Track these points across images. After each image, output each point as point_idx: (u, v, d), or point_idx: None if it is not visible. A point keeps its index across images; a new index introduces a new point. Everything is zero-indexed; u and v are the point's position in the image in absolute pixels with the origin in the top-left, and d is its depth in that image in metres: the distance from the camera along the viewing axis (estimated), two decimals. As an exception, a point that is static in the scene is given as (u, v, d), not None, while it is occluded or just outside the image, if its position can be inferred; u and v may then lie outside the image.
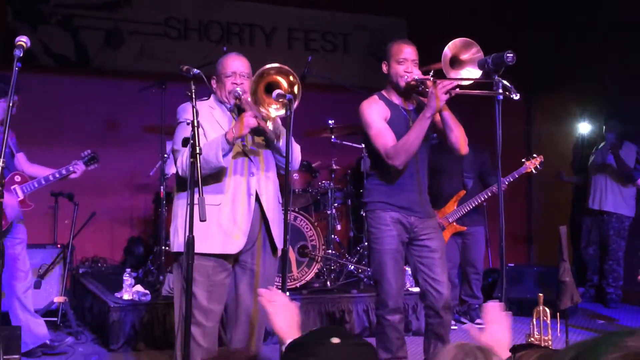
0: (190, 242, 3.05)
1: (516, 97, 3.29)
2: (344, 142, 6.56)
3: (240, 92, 3.45)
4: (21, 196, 4.68)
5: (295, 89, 3.30)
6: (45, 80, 6.98)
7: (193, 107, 3.13)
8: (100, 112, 7.20)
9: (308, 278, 5.76)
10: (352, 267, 6.28)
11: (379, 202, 3.93)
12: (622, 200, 7.00)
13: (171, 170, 5.83)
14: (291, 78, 3.33)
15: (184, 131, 3.32)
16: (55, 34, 7.08)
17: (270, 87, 3.33)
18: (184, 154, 3.32)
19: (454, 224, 5.77)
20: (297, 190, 6.19)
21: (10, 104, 2.92)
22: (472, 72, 3.62)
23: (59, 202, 6.37)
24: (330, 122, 6.39)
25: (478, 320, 6.03)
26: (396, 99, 3.95)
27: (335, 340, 1.51)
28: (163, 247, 5.75)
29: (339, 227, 6.53)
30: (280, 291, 2.36)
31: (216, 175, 3.43)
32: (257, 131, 3.49)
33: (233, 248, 3.45)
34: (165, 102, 5.83)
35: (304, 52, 7.67)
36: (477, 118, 5.69)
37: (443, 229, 5.66)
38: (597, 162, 7.18)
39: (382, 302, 3.93)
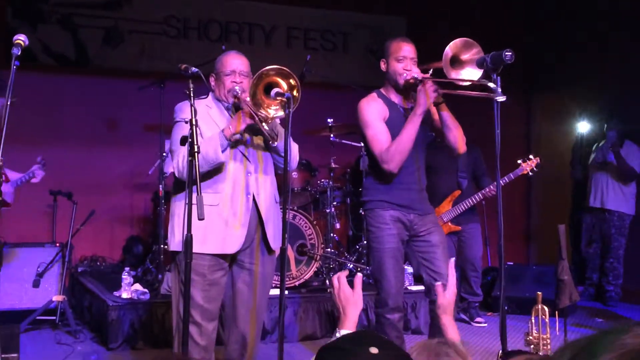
0: (188, 240, 3.05)
1: (501, 99, 3.24)
2: (343, 141, 6.56)
3: (239, 91, 3.44)
4: None
5: (295, 92, 3.29)
6: (45, 79, 6.98)
7: (191, 105, 3.13)
8: (99, 111, 7.20)
9: (307, 277, 5.76)
10: (351, 265, 6.27)
11: (378, 200, 3.93)
12: (623, 198, 7.01)
13: (170, 169, 5.82)
14: (291, 81, 3.31)
15: (181, 131, 3.32)
16: (54, 33, 7.07)
17: (270, 88, 3.32)
18: (182, 154, 3.31)
19: (449, 223, 5.77)
20: (296, 188, 6.19)
21: (8, 103, 2.91)
22: (472, 73, 3.61)
23: (57, 201, 6.37)
24: (329, 120, 6.39)
25: (478, 319, 6.03)
26: (395, 97, 3.95)
27: (374, 350, 1.45)
28: (162, 246, 5.75)
29: (338, 226, 6.53)
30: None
31: (214, 176, 3.43)
32: (255, 131, 3.49)
33: (231, 248, 3.46)
34: (165, 100, 5.83)
35: (303, 50, 7.67)
36: (476, 117, 5.69)
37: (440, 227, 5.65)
38: (597, 160, 7.19)
39: (382, 300, 3.93)
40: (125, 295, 5.29)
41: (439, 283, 2.49)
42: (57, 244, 5.86)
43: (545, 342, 4.21)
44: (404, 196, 3.90)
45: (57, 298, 5.42)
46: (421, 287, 4.70)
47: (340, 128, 6.42)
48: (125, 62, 7.30)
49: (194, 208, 2.99)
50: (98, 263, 6.89)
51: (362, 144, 5.16)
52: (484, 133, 5.85)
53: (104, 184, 7.11)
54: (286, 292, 4.06)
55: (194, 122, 3.10)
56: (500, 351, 3.34)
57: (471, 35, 3.63)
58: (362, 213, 4.23)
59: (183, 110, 3.44)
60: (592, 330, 5.90)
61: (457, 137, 3.88)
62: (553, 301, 4.93)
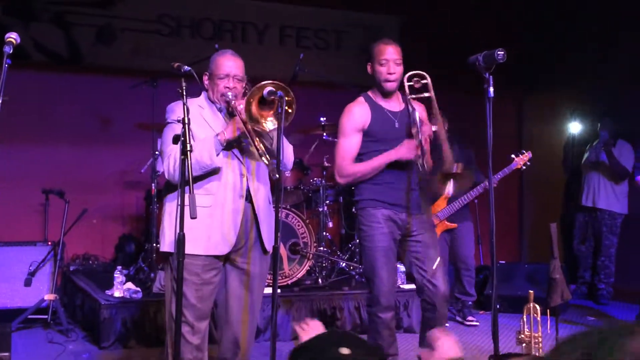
0: (180, 239, 3.04)
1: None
2: (336, 140, 6.54)
3: (232, 98, 3.41)
4: None
5: (288, 108, 3.23)
6: (37, 77, 6.94)
7: (184, 104, 3.11)
8: (92, 109, 7.17)
9: (299, 275, 5.76)
10: (344, 264, 6.28)
11: (370, 199, 3.94)
12: (614, 198, 7.03)
13: (162, 168, 5.81)
14: (287, 97, 3.23)
15: (173, 132, 3.28)
16: (47, 30, 7.04)
17: (264, 101, 3.28)
18: (173, 156, 3.29)
19: (445, 221, 5.78)
20: (288, 187, 6.19)
21: (0, 101, 2.90)
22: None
23: (49, 200, 6.36)
24: (322, 119, 6.39)
25: (470, 318, 6.04)
26: (381, 101, 3.98)
27: (345, 350, 1.43)
28: (154, 245, 5.74)
29: (330, 225, 6.53)
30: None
31: (207, 177, 3.41)
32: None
33: (223, 249, 3.45)
34: (157, 99, 5.82)
35: (296, 49, 7.65)
36: (468, 116, 5.71)
37: (434, 226, 5.66)
38: (590, 159, 7.21)
39: (374, 299, 3.94)
40: (117, 294, 5.29)
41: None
42: (49, 243, 5.85)
43: (536, 340, 4.23)
44: (396, 195, 3.92)
45: (49, 297, 5.40)
46: (413, 286, 4.71)
47: (333, 127, 6.40)
48: (118, 60, 7.27)
49: (186, 208, 2.97)
50: (90, 262, 6.86)
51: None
52: (476, 132, 5.87)
53: (97, 182, 7.09)
54: (279, 290, 4.07)
55: (186, 121, 3.08)
56: (490, 356, 3.37)
57: (463, 35, 3.64)
58: (355, 212, 4.25)
59: (175, 111, 3.41)
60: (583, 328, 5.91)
61: (446, 152, 3.93)
62: (545, 299, 4.95)
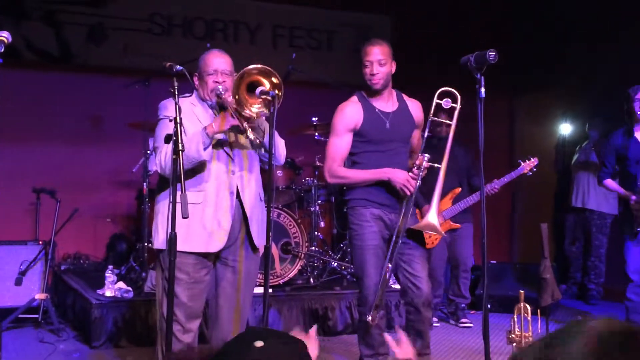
0: (172, 239, 3.05)
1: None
2: (328, 139, 6.55)
3: (222, 91, 3.44)
4: None
5: (278, 90, 3.29)
6: (28, 76, 6.92)
7: (176, 103, 3.13)
8: (83, 108, 7.15)
9: (291, 275, 5.77)
10: (335, 264, 6.29)
11: (360, 199, 3.96)
12: (604, 198, 7.06)
13: (154, 167, 5.80)
14: (274, 79, 3.32)
15: (166, 128, 3.32)
16: (38, 29, 7.02)
17: (253, 87, 3.32)
18: (165, 151, 3.31)
19: (449, 221, 5.77)
20: (280, 187, 6.19)
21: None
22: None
23: (41, 199, 6.34)
24: (314, 119, 6.40)
25: (463, 320, 6.05)
26: (374, 101, 4.00)
27: (259, 343, 1.43)
28: (146, 244, 5.74)
29: (322, 224, 6.54)
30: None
31: (197, 174, 3.43)
32: (239, 129, 3.49)
33: (214, 246, 3.46)
34: (149, 98, 5.81)
35: (288, 49, 7.66)
36: (460, 117, 5.70)
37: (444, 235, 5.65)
38: (580, 160, 7.24)
39: (363, 298, 3.95)
40: (108, 293, 5.28)
41: (389, 338, 2.25)
42: (40, 242, 5.83)
43: (527, 340, 4.25)
44: (385, 195, 3.94)
45: (40, 296, 5.39)
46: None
47: (325, 126, 6.42)
48: (109, 60, 7.26)
49: (178, 206, 2.99)
50: (81, 261, 6.85)
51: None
52: (467, 133, 5.90)
53: (88, 181, 7.07)
54: (270, 290, 4.07)
55: (178, 121, 3.09)
56: None
57: (455, 35, 3.66)
58: (346, 211, 4.27)
59: (167, 108, 3.43)
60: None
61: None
62: (536, 299, 4.97)
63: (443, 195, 5.76)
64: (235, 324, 3.61)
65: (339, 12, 8.18)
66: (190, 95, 3.58)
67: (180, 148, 3.06)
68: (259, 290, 4.29)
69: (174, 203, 3.04)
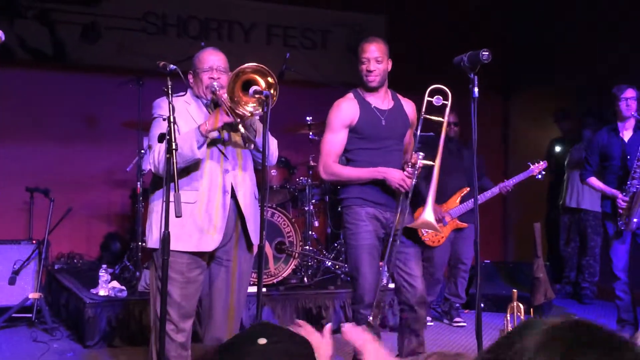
0: (165, 238, 3.06)
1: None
2: (322, 138, 6.56)
3: (217, 87, 3.44)
4: None
5: (273, 90, 3.30)
6: (22, 74, 6.91)
7: (170, 103, 3.13)
8: (77, 108, 7.14)
9: (285, 274, 5.77)
10: (330, 263, 6.29)
11: (355, 197, 3.97)
12: (598, 198, 7.05)
13: (148, 166, 5.79)
14: (269, 79, 3.32)
15: (159, 127, 3.33)
16: (31, 28, 7.01)
17: (248, 86, 3.32)
18: (158, 149, 3.32)
19: (456, 220, 5.77)
20: (274, 186, 6.19)
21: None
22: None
23: (34, 198, 6.33)
24: (308, 118, 6.40)
25: (457, 319, 6.05)
26: (370, 98, 4.01)
27: (262, 340, 1.42)
28: (140, 243, 5.73)
29: (316, 224, 6.54)
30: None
31: (191, 173, 3.43)
32: (233, 128, 3.49)
33: (208, 246, 3.46)
34: (143, 97, 5.81)
35: (282, 48, 7.67)
36: (461, 118, 5.71)
37: (445, 224, 5.66)
38: (573, 159, 7.25)
39: (357, 297, 3.96)
40: (102, 292, 5.27)
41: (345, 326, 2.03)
42: (34, 241, 5.82)
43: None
44: (381, 194, 3.94)
45: (34, 295, 5.38)
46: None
47: (319, 126, 6.43)
48: (103, 59, 7.25)
49: (172, 205, 2.99)
50: (75, 260, 6.84)
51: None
52: (461, 132, 5.92)
53: (82, 180, 7.06)
54: (264, 289, 4.08)
55: (171, 120, 3.10)
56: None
57: (448, 33, 3.67)
58: (340, 210, 4.27)
59: (161, 107, 3.44)
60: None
61: None
62: (529, 299, 5.00)
63: (451, 195, 5.78)
64: (229, 323, 3.61)
65: (333, 11, 8.19)
66: (185, 94, 3.58)
67: (173, 147, 3.06)
68: (253, 289, 4.29)
69: (167, 202, 3.04)
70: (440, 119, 3.90)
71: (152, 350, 3.50)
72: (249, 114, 3.34)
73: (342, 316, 5.61)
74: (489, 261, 6.92)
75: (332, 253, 6.48)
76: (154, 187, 3.57)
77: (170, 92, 3.17)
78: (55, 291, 6.08)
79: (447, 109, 3.91)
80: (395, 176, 3.86)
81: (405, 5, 8.12)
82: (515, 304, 4.34)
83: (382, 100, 4.03)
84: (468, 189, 5.77)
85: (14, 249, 5.70)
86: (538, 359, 1.03)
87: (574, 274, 7.32)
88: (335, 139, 3.99)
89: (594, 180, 5.48)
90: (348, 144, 4.01)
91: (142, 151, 5.90)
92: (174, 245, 3.14)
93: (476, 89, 3.44)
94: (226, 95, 3.31)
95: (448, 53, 3.68)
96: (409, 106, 4.12)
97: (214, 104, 3.52)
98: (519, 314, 4.32)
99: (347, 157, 4.06)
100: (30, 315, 5.35)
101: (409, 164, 3.87)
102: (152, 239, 3.46)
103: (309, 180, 6.35)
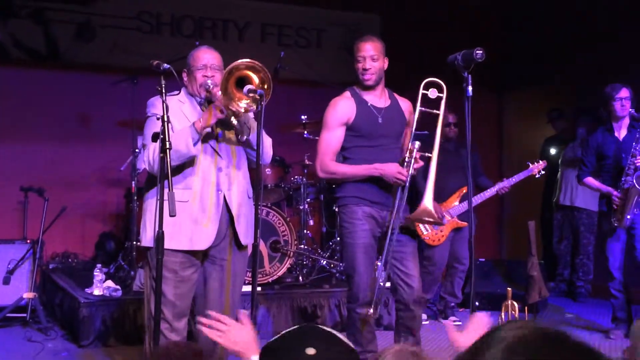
0: (159, 237, 3.05)
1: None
2: (317, 138, 6.54)
3: (211, 85, 3.45)
4: None
5: (266, 85, 3.30)
6: (16, 74, 6.89)
7: (163, 102, 3.13)
8: (71, 107, 7.12)
9: (280, 273, 5.77)
10: (325, 262, 6.29)
11: (352, 196, 3.97)
12: (591, 196, 7.06)
13: (142, 165, 5.79)
14: (262, 75, 3.33)
15: (154, 126, 3.33)
16: (26, 27, 6.98)
17: (241, 82, 3.33)
18: (153, 148, 3.31)
19: (456, 219, 5.76)
20: (269, 185, 6.18)
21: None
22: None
23: (28, 197, 6.31)
24: (303, 117, 6.40)
25: (452, 318, 6.05)
26: (366, 96, 4.01)
27: (311, 351, 1.39)
28: (134, 243, 5.72)
29: (311, 223, 6.54)
30: (223, 316, 2.14)
31: (184, 172, 3.43)
32: (227, 125, 3.49)
33: (202, 244, 3.46)
34: (137, 96, 5.79)
35: (277, 47, 7.66)
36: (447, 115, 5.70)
37: (444, 223, 5.66)
38: (567, 157, 7.26)
39: (353, 296, 3.96)
40: (97, 292, 5.26)
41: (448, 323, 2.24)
42: (28, 241, 5.80)
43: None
44: (377, 193, 3.94)
45: (28, 295, 5.36)
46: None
47: (314, 125, 6.42)
48: (97, 58, 7.23)
49: (166, 204, 2.99)
50: (70, 260, 6.83)
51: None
52: (456, 131, 5.92)
53: (76, 180, 7.05)
54: (259, 288, 4.07)
55: (165, 119, 3.09)
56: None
57: (442, 32, 3.68)
58: (336, 210, 4.27)
59: (155, 105, 3.44)
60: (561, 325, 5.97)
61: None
62: (523, 297, 5.00)
63: (450, 195, 5.78)
64: (223, 322, 3.60)
65: (328, 10, 8.19)
66: (179, 93, 3.58)
67: (167, 146, 3.06)
68: (248, 288, 4.28)
69: (161, 201, 3.04)
70: (436, 111, 3.89)
71: (147, 349, 3.49)
72: (243, 110, 3.34)
73: (337, 315, 5.61)
74: (484, 259, 6.93)
75: (327, 252, 6.48)
76: (148, 186, 3.57)
77: (164, 91, 3.17)
78: (50, 291, 6.06)
79: (443, 102, 3.90)
80: (391, 170, 3.85)
81: (399, 5, 8.12)
82: (509, 302, 4.35)
83: (379, 98, 4.03)
84: (467, 188, 5.77)
85: (8, 248, 5.69)
86: None
87: (567, 272, 7.33)
88: (331, 137, 3.99)
89: (590, 180, 5.49)
90: (345, 142, 4.01)
91: (137, 150, 5.89)
92: (167, 244, 3.14)
93: (470, 88, 3.44)
94: (220, 92, 3.31)
95: (443, 52, 3.68)
96: (405, 105, 4.12)
97: (207, 102, 3.52)
98: (513, 312, 4.33)
99: (344, 155, 4.06)
100: (24, 314, 5.34)
101: (406, 154, 3.87)
102: (146, 238, 3.46)
103: (304, 179, 6.34)
